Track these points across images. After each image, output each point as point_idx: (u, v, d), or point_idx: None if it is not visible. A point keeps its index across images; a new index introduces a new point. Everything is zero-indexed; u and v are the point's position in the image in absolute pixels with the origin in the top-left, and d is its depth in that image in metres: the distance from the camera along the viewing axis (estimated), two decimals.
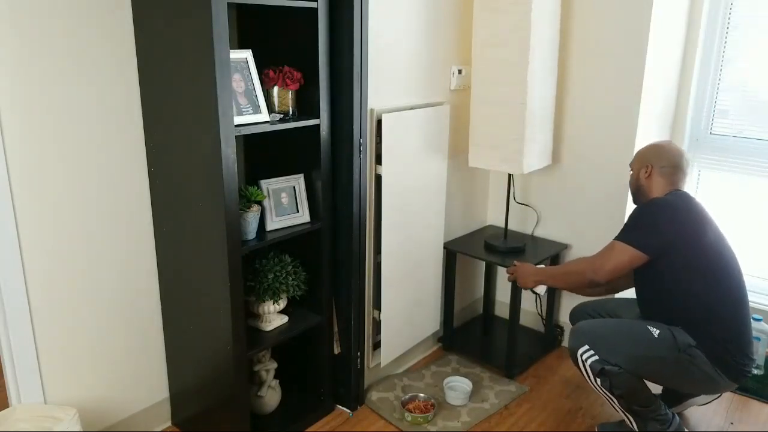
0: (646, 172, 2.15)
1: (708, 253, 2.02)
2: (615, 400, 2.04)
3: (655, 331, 2.04)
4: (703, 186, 2.89)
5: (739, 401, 2.52)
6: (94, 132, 1.91)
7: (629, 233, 2.06)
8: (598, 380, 2.01)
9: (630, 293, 2.33)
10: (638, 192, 2.21)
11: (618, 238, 2.08)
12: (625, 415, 2.08)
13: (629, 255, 2.03)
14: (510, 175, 2.79)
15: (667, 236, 2.00)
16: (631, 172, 2.24)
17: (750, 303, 2.71)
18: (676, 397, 2.31)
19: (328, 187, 2.16)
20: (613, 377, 1.98)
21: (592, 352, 2.01)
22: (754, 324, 2.62)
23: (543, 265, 2.51)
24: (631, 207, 2.66)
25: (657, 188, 2.13)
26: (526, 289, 2.40)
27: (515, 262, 2.47)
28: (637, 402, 2.04)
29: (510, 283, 2.58)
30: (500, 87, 2.52)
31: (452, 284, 2.85)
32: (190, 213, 1.93)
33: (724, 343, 2.01)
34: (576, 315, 2.44)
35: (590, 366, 2.01)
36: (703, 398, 2.32)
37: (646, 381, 2.07)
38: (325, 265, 2.22)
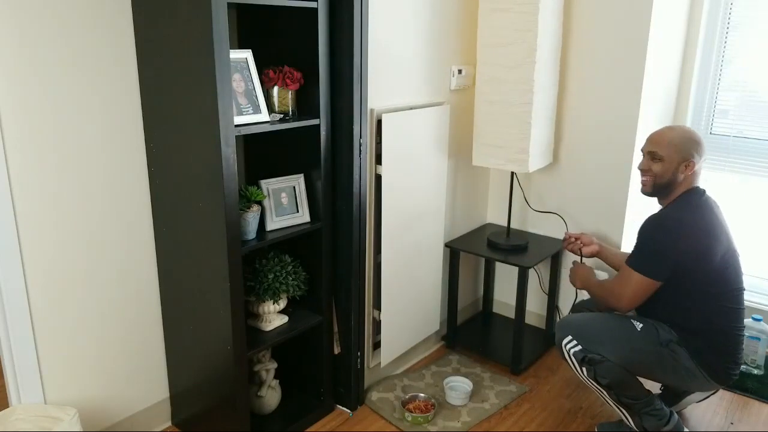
0: (687, 167, 2.05)
1: (714, 269, 2.01)
2: (604, 392, 2.07)
3: (639, 325, 2.07)
4: (703, 186, 2.89)
5: (739, 401, 2.52)
6: (94, 132, 1.91)
7: (643, 262, 2.03)
8: (584, 369, 2.04)
9: None
10: (668, 186, 2.08)
11: (633, 265, 2.04)
12: (619, 409, 2.10)
13: (645, 284, 2.02)
14: (513, 174, 2.80)
15: (678, 259, 1.98)
16: (658, 159, 2.06)
17: (750, 303, 2.73)
18: (674, 395, 2.31)
19: (328, 187, 2.16)
20: (596, 365, 2.01)
21: (575, 342, 2.05)
22: (754, 324, 2.64)
23: (603, 273, 2.51)
24: (630, 204, 2.69)
25: (685, 185, 2.08)
26: (575, 287, 2.40)
27: (575, 261, 2.47)
28: (626, 394, 2.05)
29: (510, 283, 2.58)
30: (505, 86, 2.53)
31: (456, 282, 2.85)
32: (190, 213, 1.93)
33: (716, 353, 2.04)
34: (577, 311, 2.45)
35: (573, 355, 2.05)
36: (698, 395, 2.32)
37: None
38: (325, 265, 2.22)
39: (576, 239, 2.57)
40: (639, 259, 2.05)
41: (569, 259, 2.89)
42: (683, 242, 1.97)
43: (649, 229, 2.05)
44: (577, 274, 2.36)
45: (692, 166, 2.05)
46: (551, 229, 2.93)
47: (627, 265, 2.07)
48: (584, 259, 2.51)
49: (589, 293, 2.29)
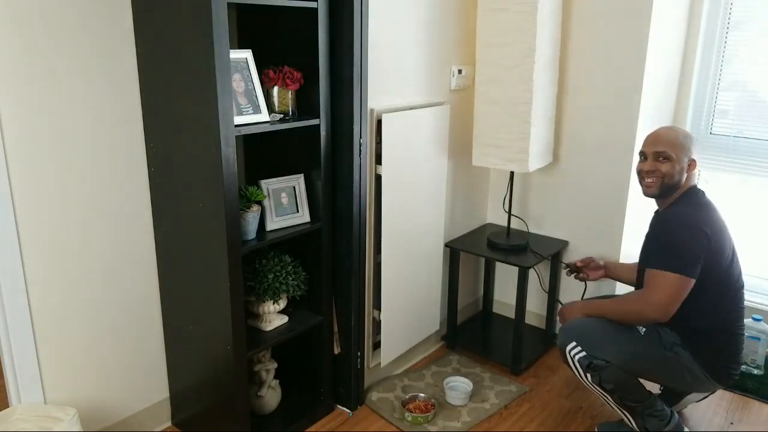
0: (690, 166, 2.05)
1: (724, 268, 2.00)
2: (608, 396, 2.06)
3: (642, 329, 2.06)
4: (703, 186, 2.88)
5: (739, 401, 2.52)
6: (94, 132, 1.90)
7: (676, 260, 1.93)
8: (588, 375, 2.03)
9: (628, 290, 2.33)
10: (675, 187, 2.06)
11: (664, 266, 1.94)
12: (621, 411, 2.10)
13: (682, 284, 1.92)
14: (512, 174, 2.80)
15: (702, 256, 1.94)
16: (665, 159, 2.03)
17: (750, 303, 2.73)
18: (674, 395, 2.31)
19: (328, 187, 2.16)
20: (601, 371, 2.00)
21: (579, 348, 2.04)
22: (753, 324, 2.64)
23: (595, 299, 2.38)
24: (630, 204, 2.69)
25: (687, 183, 2.07)
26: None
27: (562, 307, 2.30)
28: (629, 397, 2.05)
29: (510, 283, 2.56)
30: (505, 86, 2.53)
31: (456, 282, 2.85)
32: (190, 213, 1.93)
33: (719, 352, 2.04)
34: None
35: (578, 361, 2.04)
36: (698, 394, 2.32)
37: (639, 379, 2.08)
38: (325, 265, 2.22)
39: (581, 266, 2.47)
40: (669, 258, 1.94)
41: (569, 256, 2.89)
42: (705, 238, 1.94)
43: (671, 226, 1.99)
44: (570, 311, 2.19)
45: (695, 164, 2.06)
46: (551, 229, 2.93)
47: (655, 268, 1.96)
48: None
49: (606, 316, 2.08)
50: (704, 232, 1.95)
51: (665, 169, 2.04)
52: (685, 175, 2.06)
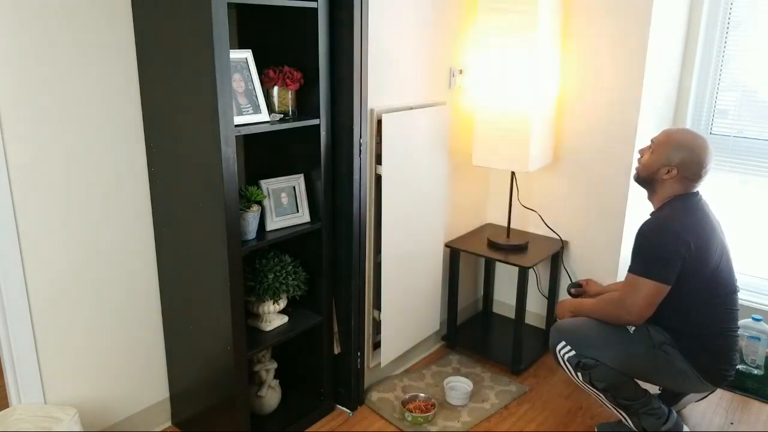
0: (668, 172, 2.03)
1: (710, 272, 2.00)
2: (601, 395, 2.07)
3: (631, 328, 2.06)
4: (703, 186, 2.89)
5: (739, 401, 2.52)
6: (94, 132, 1.91)
7: (651, 267, 1.96)
8: (579, 374, 2.04)
9: None
10: (648, 181, 2.09)
11: (640, 272, 1.97)
12: (617, 411, 2.10)
13: (656, 290, 1.95)
14: (513, 174, 2.80)
15: (681, 263, 1.95)
16: (651, 151, 2.08)
17: (750, 303, 2.73)
18: (673, 395, 2.31)
19: (328, 187, 2.16)
20: (591, 370, 2.01)
21: (569, 347, 2.05)
22: (754, 324, 2.64)
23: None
24: (630, 204, 2.69)
25: (670, 190, 2.05)
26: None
27: (559, 302, 2.39)
28: (623, 395, 2.05)
29: (510, 283, 2.56)
30: (505, 86, 2.52)
31: (456, 282, 2.85)
32: (190, 213, 1.93)
33: (709, 353, 2.04)
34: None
35: (567, 360, 2.05)
36: (696, 395, 2.32)
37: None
38: (325, 265, 2.22)
39: (582, 286, 2.48)
40: (645, 264, 1.98)
41: (569, 256, 2.89)
42: (684, 245, 1.95)
43: (649, 233, 2.01)
44: (561, 307, 2.28)
45: (674, 173, 2.02)
46: (551, 228, 2.93)
47: (633, 273, 1.99)
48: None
49: (590, 316, 2.13)
50: (683, 239, 1.94)
51: (646, 157, 2.10)
52: (659, 177, 2.04)
